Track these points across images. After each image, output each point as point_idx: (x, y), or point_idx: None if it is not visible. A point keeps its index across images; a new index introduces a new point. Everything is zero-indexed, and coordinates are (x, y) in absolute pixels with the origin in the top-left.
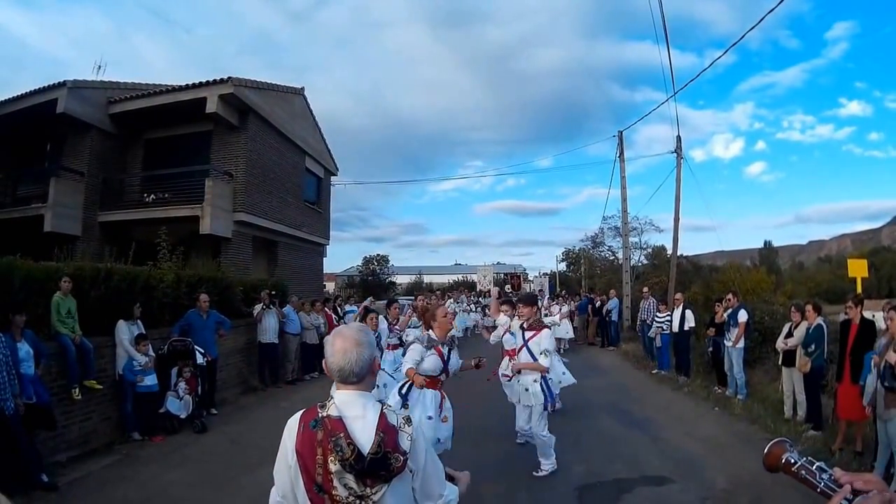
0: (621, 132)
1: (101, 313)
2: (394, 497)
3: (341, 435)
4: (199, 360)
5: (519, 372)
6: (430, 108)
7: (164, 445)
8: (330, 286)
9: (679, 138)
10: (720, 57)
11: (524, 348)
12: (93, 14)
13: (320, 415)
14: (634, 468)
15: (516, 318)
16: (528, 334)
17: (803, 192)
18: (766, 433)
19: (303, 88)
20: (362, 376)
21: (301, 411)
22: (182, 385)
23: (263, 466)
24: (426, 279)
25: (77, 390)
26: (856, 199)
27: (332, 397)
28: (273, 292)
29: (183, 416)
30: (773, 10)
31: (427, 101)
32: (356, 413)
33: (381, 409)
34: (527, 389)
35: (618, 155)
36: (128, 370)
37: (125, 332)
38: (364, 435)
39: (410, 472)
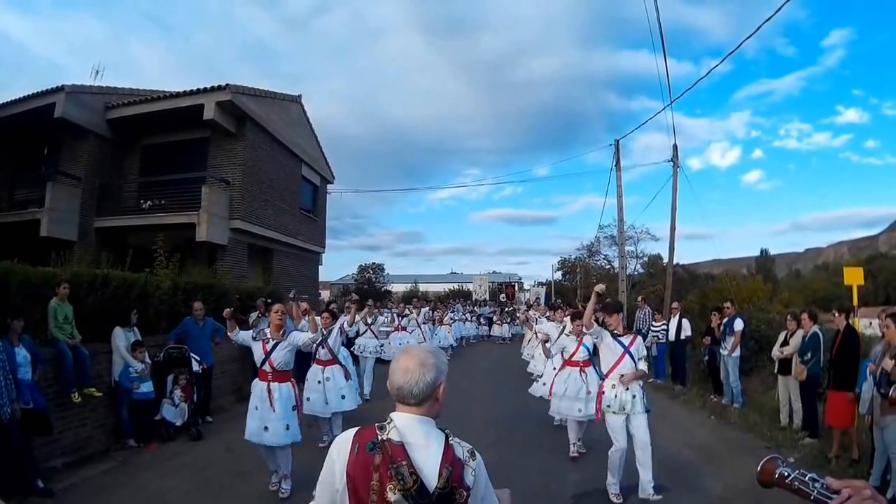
0: (618, 141)
1: (97, 319)
2: None
3: (403, 463)
4: (195, 367)
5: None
6: (427, 117)
7: (160, 452)
8: (325, 294)
9: (675, 147)
10: (717, 66)
11: (626, 355)
12: (91, 19)
13: (380, 437)
14: (631, 477)
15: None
16: (625, 340)
17: (800, 199)
18: (762, 441)
19: (300, 96)
20: (421, 399)
21: (353, 430)
22: (178, 392)
23: (258, 473)
24: (422, 288)
25: (76, 394)
26: (853, 206)
27: (391, 419)
28: (269, 300)
29: (178, 423)
30: (770, 18)
31: (424, 110)
32: (418, 441)
33: (447, 441)
34: (634, 396)
35: (614, 164)
36: (124, 377)
37: (121, 338)
38: (427, 466)
39: None
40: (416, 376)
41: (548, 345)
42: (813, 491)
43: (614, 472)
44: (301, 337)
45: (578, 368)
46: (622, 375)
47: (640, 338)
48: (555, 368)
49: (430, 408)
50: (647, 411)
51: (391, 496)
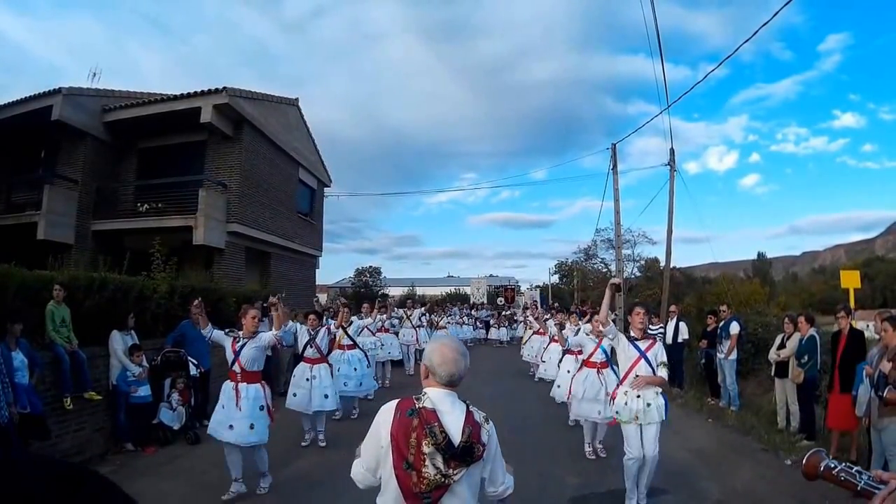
0: (614, 145)
1: (94, 323)
2: (468, 479)
3: (435, 424)
4: (193, 371)
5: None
6: (425, 120)
7: (158, 456)
8: (322, 298)
9: (672, 151)
10: (714, 70)
11: (641, 360)
12: (89, 21)
13: (417, 406)
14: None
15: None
16: (642, 344)
17: (797, 203)
18: (759, 444)
19: (297, 99)
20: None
21: (395, 401)
22: (175, 396)
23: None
24: (419, 291)
25: (69, 400)
26: (850, 210)
27: (425, 393)
28: (266, 304)
29: (176, 427)
30: (767, 23)
31: (421, 113)
32: (447, 408)
33: (468, 408)
34: (648, 405)
35: (611, 167)
36: (121, 381)
37: (119, 342)
38: (453, 426)
39: (483, 460)
40: (463, 365)
41: (563, 332)
42: (860, 482)
43: (630, 481)
44: (267, 336)
45: (596, 370)
46: (637, 377)
47: (659, 343)
48: (569, 371)
49: (456, 385)
50: (662, 421)
51: (426, 449)
